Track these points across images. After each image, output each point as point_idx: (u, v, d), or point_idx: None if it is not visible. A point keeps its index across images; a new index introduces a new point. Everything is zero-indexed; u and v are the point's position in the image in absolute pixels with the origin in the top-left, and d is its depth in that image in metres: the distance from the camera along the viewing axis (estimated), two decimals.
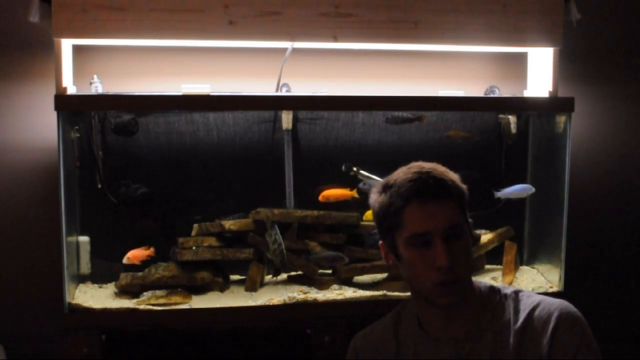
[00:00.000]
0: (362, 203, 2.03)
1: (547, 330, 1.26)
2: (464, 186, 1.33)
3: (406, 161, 1.36)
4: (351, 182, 2.06)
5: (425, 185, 1.27)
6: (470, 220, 1.34)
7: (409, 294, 1.40)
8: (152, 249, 1.95)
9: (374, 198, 1.35)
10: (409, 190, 1.27)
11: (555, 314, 1.27)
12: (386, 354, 1.39)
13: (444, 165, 1.34)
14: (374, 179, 2.03)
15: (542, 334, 1.26)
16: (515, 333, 1.28)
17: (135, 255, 1.94)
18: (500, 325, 1.30)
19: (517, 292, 1.35)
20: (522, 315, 1.29)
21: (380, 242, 1.37)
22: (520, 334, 1.28)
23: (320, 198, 2.03)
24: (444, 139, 2.14)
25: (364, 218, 2.05)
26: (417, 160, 1.35)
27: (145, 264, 1.97)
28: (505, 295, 1.35)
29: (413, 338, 1.36)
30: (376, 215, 1.34)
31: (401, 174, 1.31)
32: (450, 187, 1.29)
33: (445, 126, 2.16)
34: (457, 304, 1.30)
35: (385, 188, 1.32)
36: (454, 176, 1.32)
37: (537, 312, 1.29)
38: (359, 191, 2.03)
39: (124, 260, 1.94)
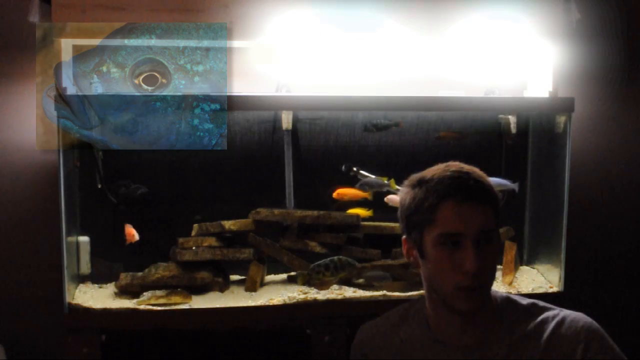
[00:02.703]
0: (353, 203, 2.06)
1: (575, 352, 1.24)
2: (499, 194, 1.31)
3: (406, 162, 1.35)
4: (351, 182, 2.06)
5: (464, 185, 1.24)
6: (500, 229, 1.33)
7: (409, 293, 1.39)
8: (136, 236, 1.95)
9: (405, 192, 1.32)
10: (447, 187, 1.24)
11: (583, 334, 1.25)
12: (389, 352, 1.37)
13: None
14: (371, 177, 2.04)
15: (570, 355, 1.24)
16: (537, 347, 1.26)
17: (129, 232, 1.94)
18: (517, 337, 1.28)
19: (534, 305, 1.33)
20: (546, 331, 1.27)
21: (404, 237, 1.34)
22: (544, 350, 1.26)
23: (335, 195, 2.04)
24: (435, 139, 2.15)
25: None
26: (417, 161, 1.35)
27: (145, 263, 1.98)
28: (523, 307, 1.32)
29: (420, 340, 1.34)
30: (406, 209, 1.31)
31: (439, 171, 1.28)
32: (489, 191, 1.27)
33: (446, 126, 2.16)
34: (476, 312, 1.28)
35: (421, 182, 1.29)
36: (490, 182, 1.30)
37: (563, 329, 1.27)
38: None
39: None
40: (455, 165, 1.29)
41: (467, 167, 1.29)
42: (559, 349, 1.25)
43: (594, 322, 1.28)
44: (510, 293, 1.38)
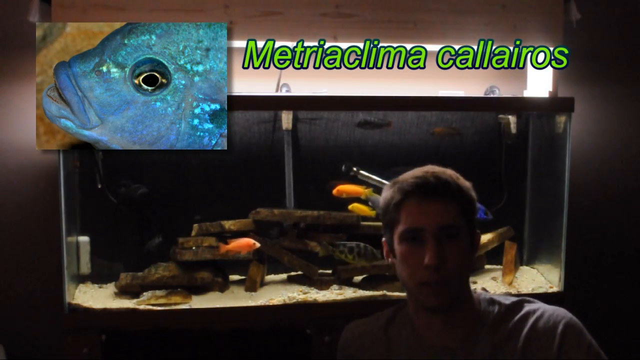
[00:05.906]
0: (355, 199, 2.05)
1: (552, 346, 1.24)
2: (472, 194, 1.32)
3: (406, 162, 1.36)
4: (351, 182, 2.06)
5: (426, 182, 1.27)
6: (478, 231, 1.33)
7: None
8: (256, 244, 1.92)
9: (383, 195, 1.36)
10: (410, 186, 1.28)
11: (559, 329, 1.25)
12: (375, 353, 1.38)
13: (440, 164, 1.34)
14: (374, 179, 2.04)
15: (546, 349, 1.25)
16: (517, 344, 1.26)
17: (247, 243, 1.92)
18: (499, 337, 1.28)
19: (518, 303, 1.33)
20: (526, 326, 1.28)
21: (383, 239, 1.37)
22: (523, 345, 1.26)
23: (334, 192, 2.03)
24: (430, 135, 2.15)
25: None
26: (417, 161, 1.36)
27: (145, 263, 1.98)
28: (506, 307, 1.32)
29: (406, 342, 1.35)
30: (381, 211, 1.36)
31: (410, 172, 1.32)
32: (452, 188, 1.28)
33: (445, 126, 2.16)
34: (447, 310, 1.28)
35: (393, 184, 1.33)
36: (463, 182, 1.31)
37: (541, 324, 1.27)
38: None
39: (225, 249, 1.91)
40: (427, 167, 1.33)
41: (437, 169, 1.31)
42: (537, 343, 1.26)
43: (573, 317, 1.28)
44: (511, 293, 1.39)
